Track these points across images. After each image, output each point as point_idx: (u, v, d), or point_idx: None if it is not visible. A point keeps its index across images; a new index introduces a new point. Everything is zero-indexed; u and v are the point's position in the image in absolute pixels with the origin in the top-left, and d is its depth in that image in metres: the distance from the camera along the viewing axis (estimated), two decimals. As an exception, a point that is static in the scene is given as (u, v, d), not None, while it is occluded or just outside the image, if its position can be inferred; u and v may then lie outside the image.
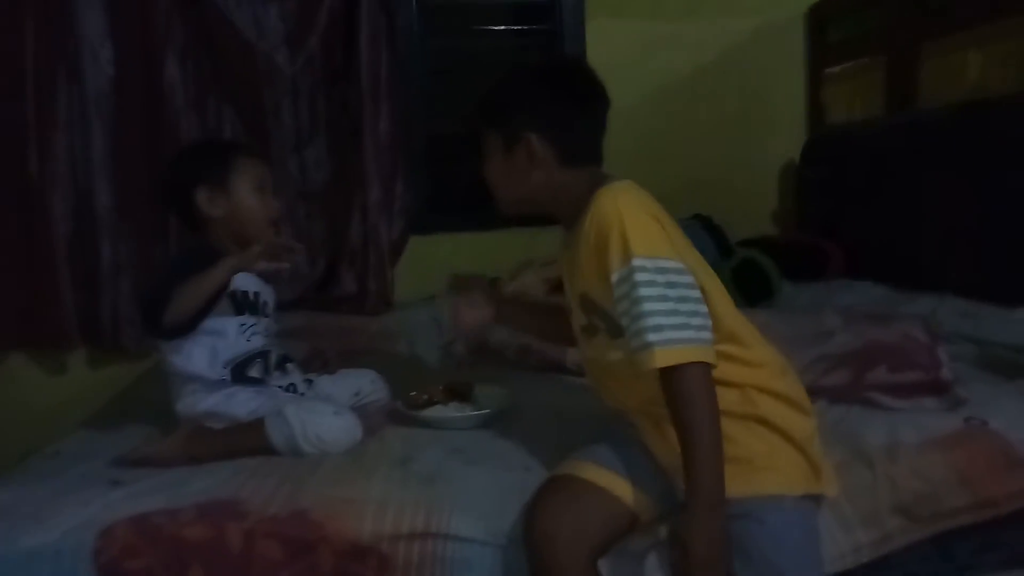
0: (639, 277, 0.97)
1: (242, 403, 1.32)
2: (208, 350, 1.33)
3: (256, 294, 1.41)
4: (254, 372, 1.37)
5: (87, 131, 2.42)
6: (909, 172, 2.15)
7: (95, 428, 1.50)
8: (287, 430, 1.24)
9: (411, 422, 1.38)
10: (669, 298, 0.96)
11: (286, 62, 2.50)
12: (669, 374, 0.96)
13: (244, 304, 1.38)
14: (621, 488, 1.08)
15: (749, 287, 2.15)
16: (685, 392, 0.95)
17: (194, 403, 1.33)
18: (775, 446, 1.04)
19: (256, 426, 1.26)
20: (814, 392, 1.36)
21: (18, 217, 2.39)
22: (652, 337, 0.95)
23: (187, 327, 1.29)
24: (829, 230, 2.54)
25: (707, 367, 0.96)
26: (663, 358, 0.95)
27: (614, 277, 0.99)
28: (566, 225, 1.16)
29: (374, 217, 2.51)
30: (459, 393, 1.47)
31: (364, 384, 1.52)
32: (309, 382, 1.46)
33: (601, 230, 1.01)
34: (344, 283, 2.53)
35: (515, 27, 2.83)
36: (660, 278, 0.97)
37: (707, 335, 0.97)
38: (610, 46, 2.67)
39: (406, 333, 2.11)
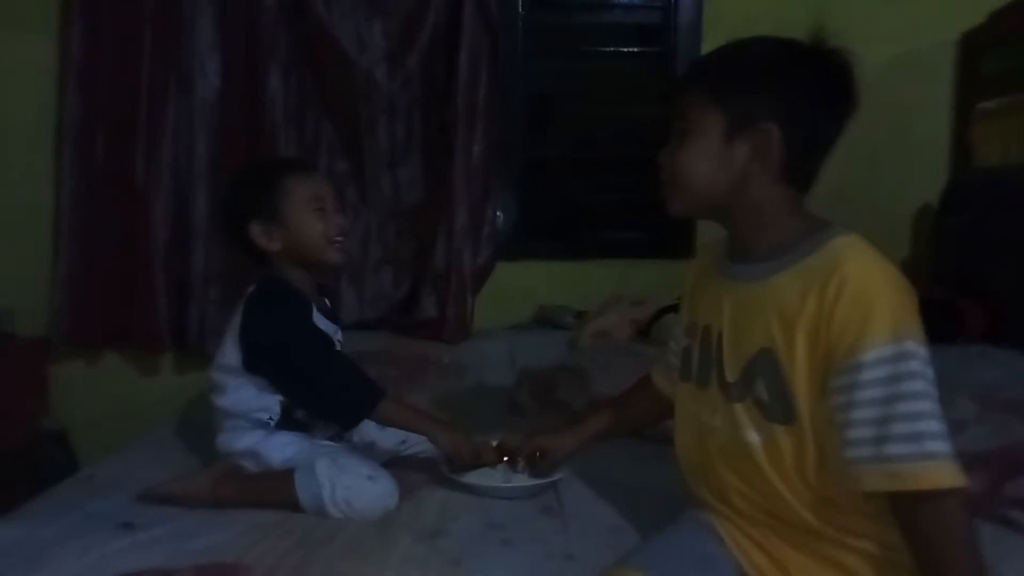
0: (914, 366, 0.77)
1: (278, 448, 1.24)
2: (256, 387, 1.26)
3: (325, 335, 1.33)
4: (300, 415, 1.29)
5: (191, 140, 2.47)
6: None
7: (140, 446, 1.47)
8: (316, 489, 1.14)
9: (453, 483, 1.25)
10: (935, 399, 0.78)
11: (385, 79, 2.46)
12: (931, 498, 0.75)
13: None
14: None
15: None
16: (954, 520, 0.76)
17: (232, 440, 1.27)
18: None
19: (286, 478, 1.18)
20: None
21: (122, 221, 2.47)
22: (936, 447, 0.75)
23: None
24: (968, 287, 2.22)
25: (965, 493, 0.78)
26: (948, 475, 0.75)
27: (870, 355, 0.77)
28: (741, 251, 0.93)
29: (459, 242, 2.42)
30: (511, 454, 1.32)
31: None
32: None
33: (863, 294, 0.79)
34: (425, 307, 2.45)
35: (624, 49, 2.67)
36: (928, 372, 0.78)
37: None
38: None
39: (478, 368, 1.99)
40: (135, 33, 2.42)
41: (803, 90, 0.89)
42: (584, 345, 2.04)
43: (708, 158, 0.90)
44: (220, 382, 1.28)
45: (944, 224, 2.42)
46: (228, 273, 2.49)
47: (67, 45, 2.42)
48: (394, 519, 1.14)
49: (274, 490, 1.18)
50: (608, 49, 2.68)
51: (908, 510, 0.78)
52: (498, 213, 2.54)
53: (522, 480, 1.27)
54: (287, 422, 1.27)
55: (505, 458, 1.30)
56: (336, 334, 1.36)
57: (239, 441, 1.26)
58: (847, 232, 0.88)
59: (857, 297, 0.80)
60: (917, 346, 0.78)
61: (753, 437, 0.88)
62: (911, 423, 0.76)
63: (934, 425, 0.76)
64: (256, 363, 1.24)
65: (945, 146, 2.55)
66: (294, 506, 1.15)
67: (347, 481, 1.14)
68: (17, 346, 2.44)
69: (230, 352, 1.26)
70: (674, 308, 1.84)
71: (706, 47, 2.52)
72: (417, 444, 1.40)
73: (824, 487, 0.85)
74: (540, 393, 1.67)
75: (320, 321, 1.31)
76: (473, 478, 1.26)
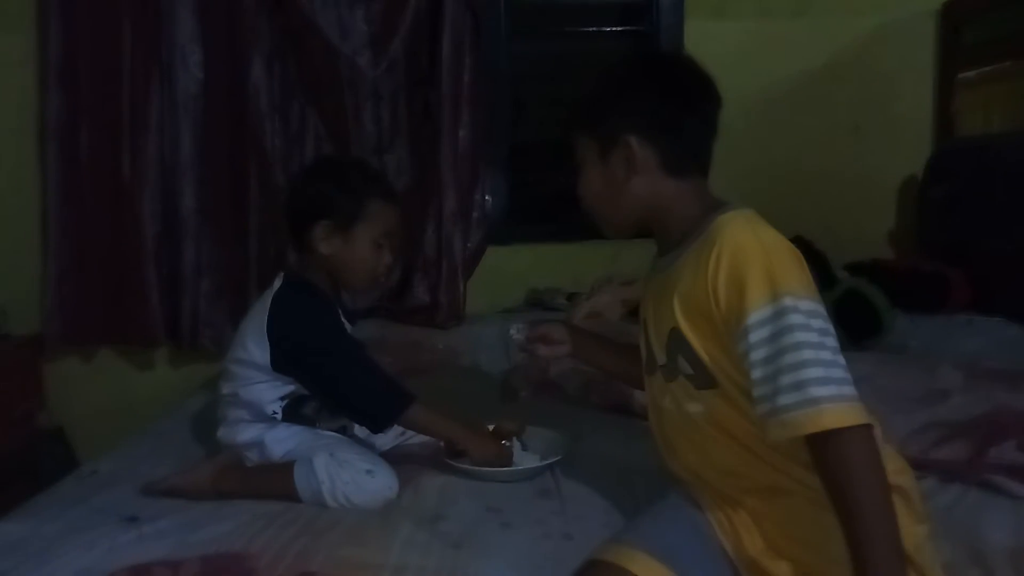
0: (792, 319, 0.81)
1: (279, 441, 1.25)
2: (271, 382, 1.27)
3: None
4: (308, 410, 1.30)
5: (176, 134, 2.46)
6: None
7: (142, 441, 1.48)
8: (314, 483, 1.16)
9: (452, 469, 1.27)
10: (827, 347, 0.81)
11: (369, 65, 2.45)
12: (831, 438, 0.78)
13: None
14: None
15: (853, 322, 1.91)
16: (857, 458, 0.78)
17: (235, 432, 1.28)
18: None
19: (286, 470, 1.19)
20: (922, 466, 1.16)
21: (111, 217, 2.46)
22: (818, 391, 0.78)
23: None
24: (954, 256, 2.25)
25: (872, 429, 0.80)
26: (834, 417, 0.78)
27: (752, 318, 0.83)
28: (662, 246, 1.02)
29: (449, 227, 2.43)
30: (508, 437, 1.34)
31: None
32: None
33: (736, 263, 0.86)
34: (417, 293, 2.46)
35: (608, 28, 2.67)
36: (814, 323, 0.82)
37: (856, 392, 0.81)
38: (710, 49, 2.40)
39: (472, 352, 2.01)
40: (115, 28, 2.40)
41: (646, 96, 0.98)
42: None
43: (598, 185, 1.02)
44: (236, 374, 1.28)
45: (929, 194, 2.44)
46: (219, 265, 2.49)
47: (46, 42, 2.40)
48: (395, 505, 1.16)
49: (275, 483, 1.19)
50: (591, 29, 2.68)
51: (814, 455, 0.81)
52: (487, 197, 2.54)
53: (519, 463, 1.29)
54: (293, 416, 1.28)
55: (503, 442, 1.32)
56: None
57: (243, 434, 1.27)
58: (738, 208, 0.94)
59: (732, 267, 0.86)
60: (796, 300, 0.82)
61: (694, 408, 0.94)
62: (794, 373, 0.80)
63: (817, 371, 0.79)
64: (285, 363, 1.24)
65: (928, 117, 2.57)
66: (294, 499, 1.17)
67: (346, 476, 1.15)
68: (11, 345, 2.44)
69: (252, 346, 1.25)
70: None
71: (688, 25, 2.53)
72: (415, 435, 1.42)
73: (765, 442, 0.88)
74: (534, 376, 1.69)
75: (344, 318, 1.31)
76: (470, 463, 1.28)
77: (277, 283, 1.30)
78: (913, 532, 0.88)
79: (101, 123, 2.43)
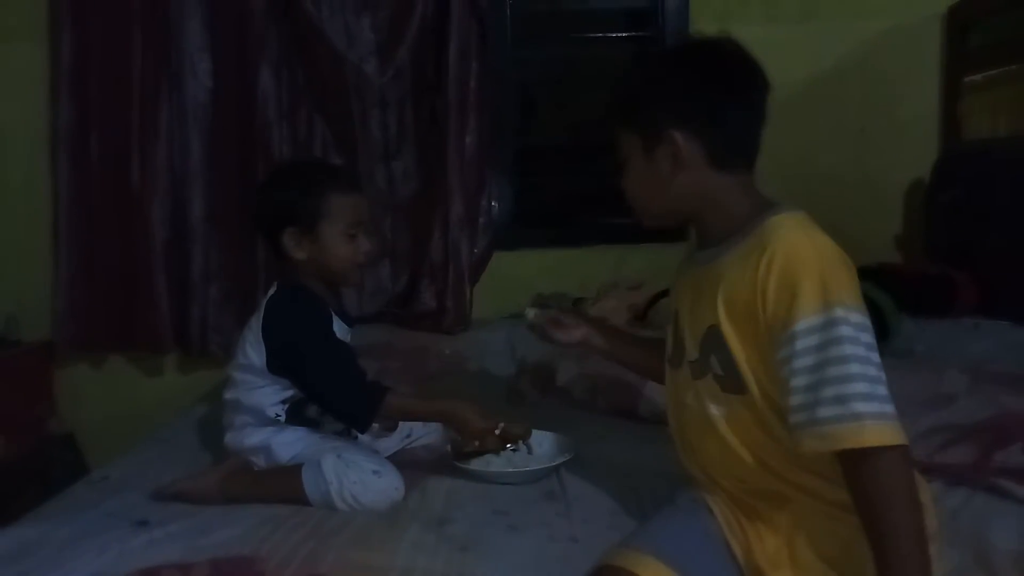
0: (842, 331, 0.80)
1: (286, 445, 1.27)
2: (272, 386, 1.28)
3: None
4: (311, 412, 1.31)
5: (185, 141, 2.48)
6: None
7: (152, 446, 1.50)
8: (323, 485, 1.17)
9: (458, 471, 1.28)
10: (872, 363, 0.80)
11: (376, 72, 2.47)
12: (869, 457, 0.78)
13: None
14: None
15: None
16: (893, 480, 0.77)
17: (242, 438, 1.30)
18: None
19: (294, 473, 1.20)
20: (928, 470, 1.16)
21: (120, 224, 2.49)
22: (862, 407, 0.77)
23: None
24: (961, 259, 2.25)
25: (908, 451, 0.80)
26: (875, 435, 0.77)
27: (800, 325, 0.81)
28: (703, 240, 0.99)
29: (455, 233, 2.44)
30: (515, 442, 1.35)
31: (416, 425, 1.44)
32: None
33: (790, 266, 0.84)
34: (424, 299, 2.47)
35: (613, 35, 2.68)
36: (863, 337, 0.81)
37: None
38: None
39: (478, 358, 2.02)
40: (125, 37, 2.43)
41: (690, 88, 0.95)
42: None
43: (642, 177, 0.99)
44: (238, 380, 1.30)
45: (936, 198, 2.43)
46: (228, 272, 2.51)
47: (57, 52, 2.43)
48: (402, 508, 1.17)
49: (283, 486, 1.20)
50: (597, 35, 2.70)
51: (848, 470, 0.80)
52: (493, 203, 2.56)
53: (525, 466, 1.29)
54: (297, 418, 1.30)
55: (508, 445, 1.33)
56: (347, 335, 1.37)
57: (249, 438, 1.28)
58: (789, 210, 0.92)
59: (785, 271, 0.84)
60: (847, 312, 0.81)
61: (715, 411, 0.93)
62: (839, 386, 0.79)
63: (862, 387, 0.79)
64: (276, 364, 1.26)
65: (934, 120, 2.57)
66: (303, 501, 1.18)
67: (353, 477, 1.17)
68: (22, 352, 2.47)
69: (251, 351, 1.28)
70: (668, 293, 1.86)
71: (694, 30, 2.53)
72: (424, 436, 1.43)
73: (785, 454, 0.88)
74: (540, 381, 1.69)
75: (337, 326, 1.32)
76: (477, 465, 1.28)
77: (272, 289, 1.32)
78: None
79: (111, 131, 2.46)
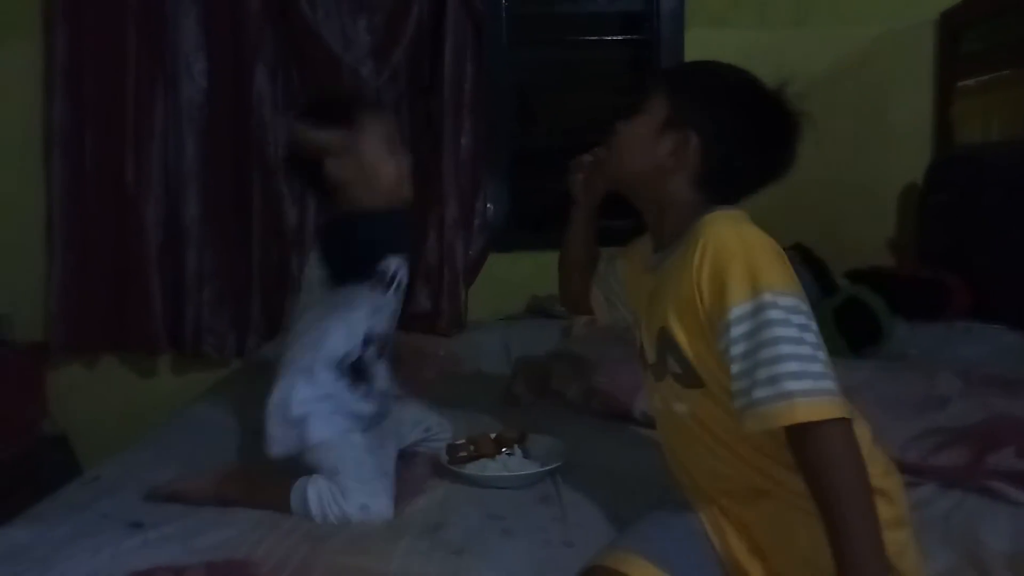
0: (771, 315, 0.82)
1: (321, 426, 1.23)
2: (345, 324, 1.26)
3: (396, 272, 1.33)
4: (369, 356, 1.30)
5: (180, 142, 2.47)
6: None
7: (145, 447, 1.49)
8: (306, 510, 1.16)
9: (453, 475, 1.28)
10: (805, 342, 0.81)
11: (371, 75, 2.47)
12: (807, 432, 0.79)
13: (383, 279, 1.30)
14: None
15: (853, 330, 1.92)
16: (833, 452, 0.78)
17: (290, 397, 1.24)
18: None
19: (285, 486, 1.19)
20: (921, 473, 1.17)
21: (115, 224, 2.48)
22: (792, 385, 0.79)
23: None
24: (954, 263, 2.26)
25: (851, 424, 0.80)
26: (807, 411, 0.78)
27: (733, 313, 0.83)
28: (658, 239, 1.02)
29: (450, 235, 2.44)
30: (509, 444, 1.35)
31: (433, 422, 1.45)
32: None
33: (718, 259, 0.86)
34: (419, 300, 2.47)
35: (608, 38, 2.69)
36: (794, 318, 0.82)
37: (838, 388, 0.81)
38: (710, 57, 2.48)
39: (473, 360, 2.02)
40: (119, 36, 2.42)
41: (738, 127, 0.96)
42: (577, 334, 2.06)
43: (641, 135, 1.01)
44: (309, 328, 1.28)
45: (929, 203, 2.45)
46: (222, 273, 2.50)
47: (52, 50, 2.43)
48: (397, 514, 1.17)
49: (274, 496, 1.19)
50: (592, 38, 2.70)
51: (794, 450, 0.81)
52: (488, 205, 2.56)
53: (520, 470, 1.29)
54: (356, 371, 1.28)
55: (503, 449, 1.33)
56: (404, 276, 1.36)
57: (298, 395, 1.24)
58: (722, 209, 0.94)
59: (714, 262, 0.87)
60: (775, 296, 0.83)
61: (680, 408, 0.96)
62: (770, 367, 0.80)
63: (793, 366, 0.80)
64: (343, 269, 1.24)
65: (927, 125, 2.58)
66: (288, 512, 1.17)
67: (337, 511, 1.15)
68: (15, 352, 2.45)
69: (313, 286, 1.27)
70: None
71: (689, 34, 2.54)
72: (436, 434, 1.43)
73: (755, 443, 0.89)
74: (535, 383, 1.69)
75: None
76: (472, 469, 1.28)
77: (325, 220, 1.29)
78: (894, 538, 0.88)
79: (105, 131, 2.45)
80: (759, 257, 0.86)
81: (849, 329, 1.92)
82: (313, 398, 1.25)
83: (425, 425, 1.44)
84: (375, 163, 1.27)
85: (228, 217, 2.49)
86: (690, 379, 0.93)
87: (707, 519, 0.98)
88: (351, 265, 1.23)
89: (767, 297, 0.83)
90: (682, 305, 0.91)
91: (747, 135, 0.97)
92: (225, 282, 2.50)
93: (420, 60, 2.48)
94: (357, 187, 1.27)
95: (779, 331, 0.81)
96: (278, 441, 1.25)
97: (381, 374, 1.35)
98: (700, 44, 2.50)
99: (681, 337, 0.92)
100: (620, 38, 2.68)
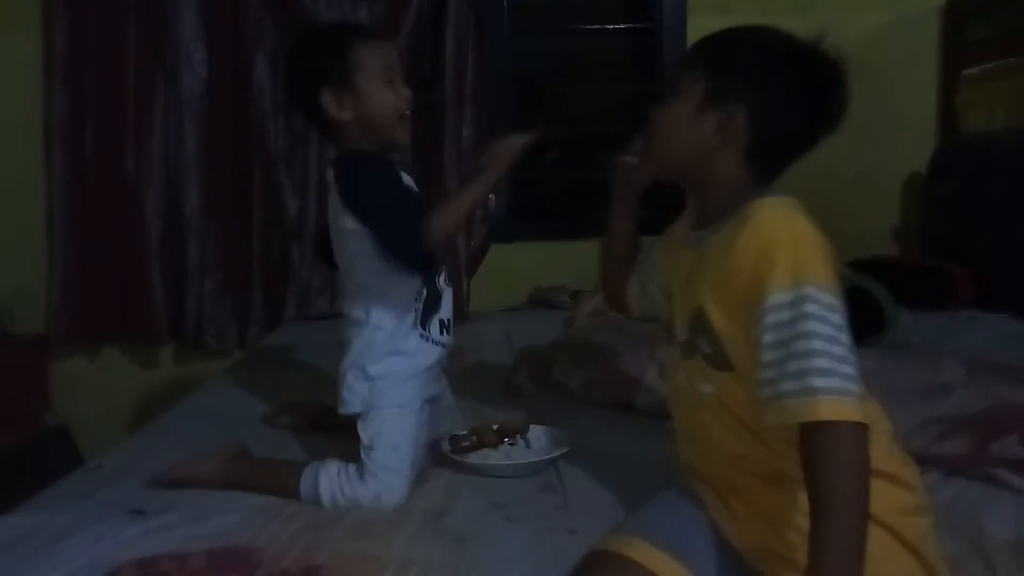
0: (810, 308, 0.80)
1: (390, 389, 1.21)
2: (407, 288, 1.24)
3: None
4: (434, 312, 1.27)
5: (180, 133, 2.47)
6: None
7: (147, 436, 1.49)
8: (316, 495, 1.15)
9: (456, 464, 1.27)
10: (839, 342, 0.80)
11: (372, 65, 2.45)
12: (820, 429, 0.78)
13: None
14: (674, 575, 0.91)
15: (857, 319, 1.89)
16: (841, 452, 0.77)
17: (367, 356, 1.22)
18: (883, 548, 0.84)
19: (293, 471, 1.19)
20: (924, 461, 1.16)
21: (116, 215, 2.48)
22: (819, 382, 0.78)
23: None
24: (958, 252, 2.25)
25: (866, 431, 0.79)
26: (828, 409, 0.77)
27: (773, 299, 0.82)
28: (703, 216, 1.00)
29: (452, 225, 2.43)
30: (512, 435, 1.35)
31: (457, 414, 1.43)
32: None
33: (767, 245, 0.85)
34: (421, 292, 2.46)
35: (610, 26, 2.67)
36: (831, 317, 0.81)
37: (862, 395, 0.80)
38: None
39: (476, 350, 2.01)
40: (119, 27, 2.42)
41: (785, 89, 0.93)
42: (580, 324, 2.06)
43: (680, 120, 0.97)
44: (357, 294, 1.24)
45: (933, 191, 2.43)
46: (223, 264, 2.51)
47: (51, 42, 2.42)
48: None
49: (281, 479, 1.19)
50: (594, 26, 2.69)
51: (802, 444, 0.80)
52: (491, 195, 2.55)
53: (523, 459, 1.29)
54: (424, 319, 1.25)
55: (506, 439, 1.33)
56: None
57: (373, 365, 1.22)
58: (776, 194, 0.92)
59: (761, 248, 0.85)
60: (818, 292, 0.81)
61: (706, 388, 0.94)
62: (801, 361, 0.79)
63: (823, 362, 0.79)
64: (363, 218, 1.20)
65: (932, 114, 2.57)
66: (296, 497, 1.16)
67: (350, 493, 1.14)
68: (17, 344, 2.46)
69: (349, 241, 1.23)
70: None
71: (692, 22, 2.53)
72: (454, 429, 1.40)
73: (779, 429, 0.87)
74: (537, 374, 1.69)
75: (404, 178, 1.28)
76: (475, 458, 1.28)
77: (331, 174, 1.24)
78: (916, 523, 0.88)
79: (105, 122, 2.45)
80: (807, 249, 0.84)
81: (853, 318, 1.89)
82: (388, 353, 1.22)
83: (452, 415, 1.41)
84: (374, 98, 1.21)
85: (229, 208, 2.49)
86: (721, 361, 0.91)
87: (713, 508, 0.97)
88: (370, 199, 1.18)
89: (809, 290, 0.81)
90: (723, 285, 0.89)
91: (795, 95, 0.93)
92: (226, 273, 2.50)
93: (421, 50, 2.47)
94: (356, 125, 1.23)
95: (815, 326, 0.80)
96: (349, 400, 1.23)
97: (447, 300, 1.31)
98: (703, 31, 2.40)
99: (717, 318, 0.90)
100: (623, 26, 2.67)
